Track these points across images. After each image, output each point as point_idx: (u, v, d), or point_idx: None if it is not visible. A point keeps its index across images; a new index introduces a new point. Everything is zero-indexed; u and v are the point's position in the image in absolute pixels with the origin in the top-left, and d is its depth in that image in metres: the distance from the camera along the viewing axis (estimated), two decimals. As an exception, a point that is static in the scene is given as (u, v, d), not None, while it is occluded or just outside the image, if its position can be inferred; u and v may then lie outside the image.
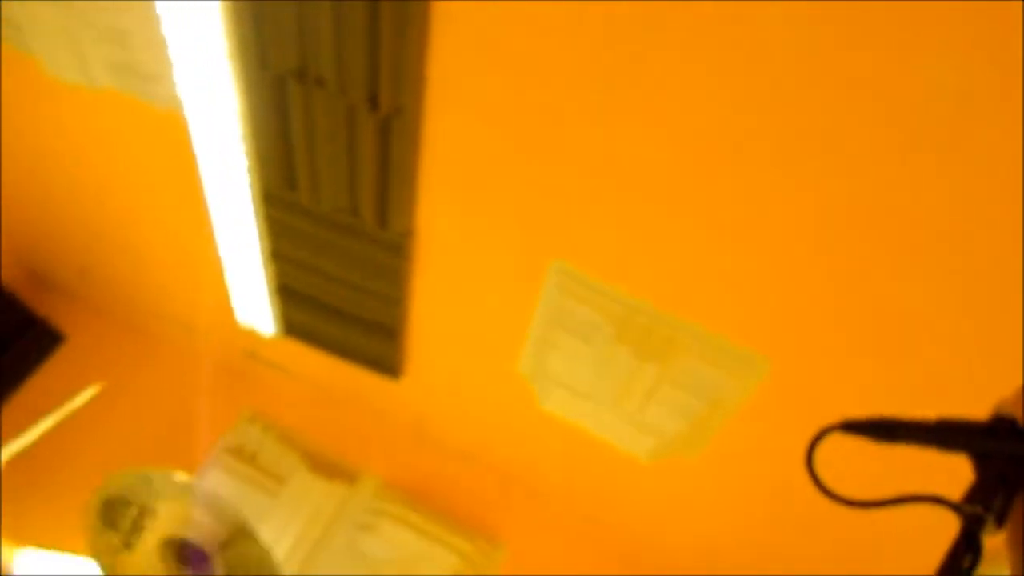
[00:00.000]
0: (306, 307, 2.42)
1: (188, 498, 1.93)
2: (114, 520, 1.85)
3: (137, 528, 1.85)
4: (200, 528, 1.91)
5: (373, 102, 1.61)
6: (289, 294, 2.39)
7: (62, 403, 2.44)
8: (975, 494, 0.55)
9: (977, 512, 0.54)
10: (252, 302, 2.52)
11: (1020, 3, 0.94)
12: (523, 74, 1.47)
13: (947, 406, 0.62)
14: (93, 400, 2.97)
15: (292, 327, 2.57)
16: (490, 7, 1.38)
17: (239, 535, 1.98)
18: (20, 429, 2.34)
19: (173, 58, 1.77)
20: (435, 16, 1.43)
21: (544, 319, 2.03)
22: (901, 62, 1.15)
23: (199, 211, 2.19)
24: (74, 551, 2.68)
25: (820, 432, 0.58)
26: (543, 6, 1.33)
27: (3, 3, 1.93)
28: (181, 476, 1.96)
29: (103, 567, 1.88)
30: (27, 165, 2.57)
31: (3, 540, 2.66)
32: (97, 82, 2.03)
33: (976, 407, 0.61)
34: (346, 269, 2.18)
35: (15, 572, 2.65)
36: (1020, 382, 0.59)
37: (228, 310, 2.62)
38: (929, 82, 1.15)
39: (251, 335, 2.71)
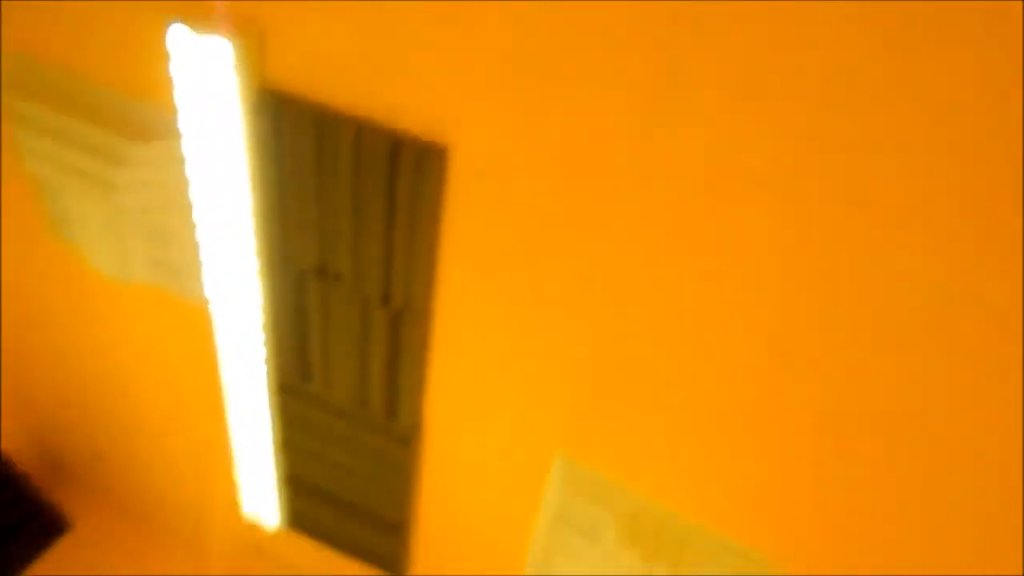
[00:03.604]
0: (313, 498, 2.40)
1: None
2: None
3: None
4: None
5: (385, 298, 1.70)
6: (297, 484, 2.38)
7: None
8: None
9: None
10: (260, 493, 2.51)
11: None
12: (526, 275, 1.56)
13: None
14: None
15: (298, 519, 2.53)
16: (493, 224, 1.50)
17: None
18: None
19: (205, 256, 1.90)
20: (445, 225, 1.55)
21: (549, 516, 1.99)
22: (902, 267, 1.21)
23: (216, 401, 2.24)
24: None
25: None
26: (545, 219, 1.44)
27: (58, 201, 2.11)
28: None
29: None
30: (52, 350, 2.68)
31: None
32: (134, 276, 2.17)
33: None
34: (355, 460, 2.18)
35: None
36: None
37: (236, 502, 2.60)
38: (930, 283, 1.21)
39: (257, 528, 2.67)
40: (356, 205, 1.57)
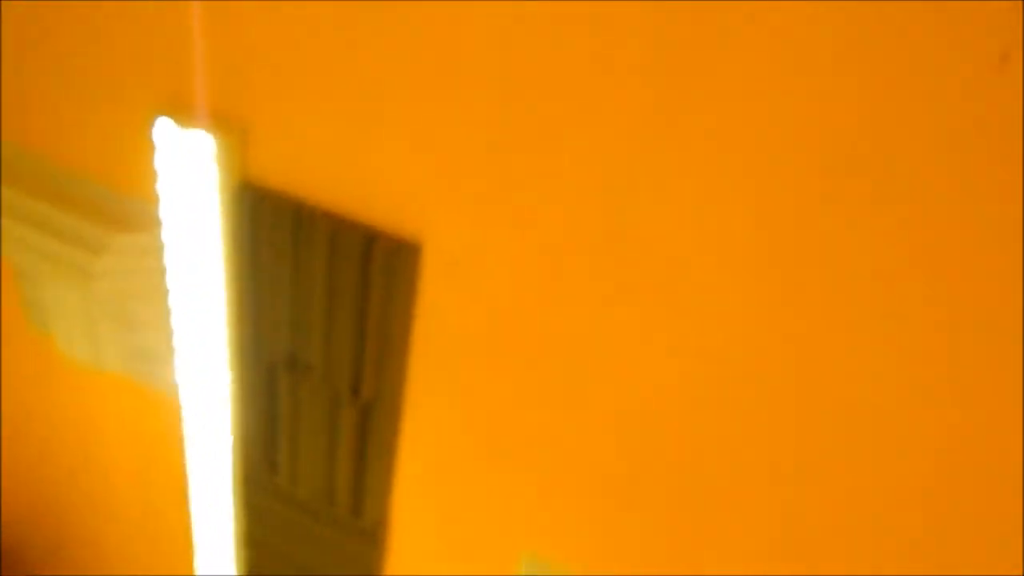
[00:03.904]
0: (275, 599, 2.32)
1: None
2: None
3: None
4: None
5: (355, 391, 1.70)
6: (258, 583, 2.31)
7: None
8: None
9: None
10: (220, 591, 2.42)
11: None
12: (497, 371, 1.57)
13: None
14: None
15: (258, 621, 2.44)
16: (465, 320, 1.52)
17: None
18: None
19: (177, 345, 1.90)
20: (417, 320, 1.57)
21: (516, 621, 1.93)
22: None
23: (180, 493, 2.20)
24: None
25: None
26: (517, 318, 1.47)
27: (34, 289, 2.12)
28: None
29: None
30: (16, 437, 2.63)
31: None
32: (106, 364, 2.16)
33: None
34: (318, 557, 2.13)
35: None
36: None
37: (194, 599, 2.51)
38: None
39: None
40: (329, 299, 1.59)
